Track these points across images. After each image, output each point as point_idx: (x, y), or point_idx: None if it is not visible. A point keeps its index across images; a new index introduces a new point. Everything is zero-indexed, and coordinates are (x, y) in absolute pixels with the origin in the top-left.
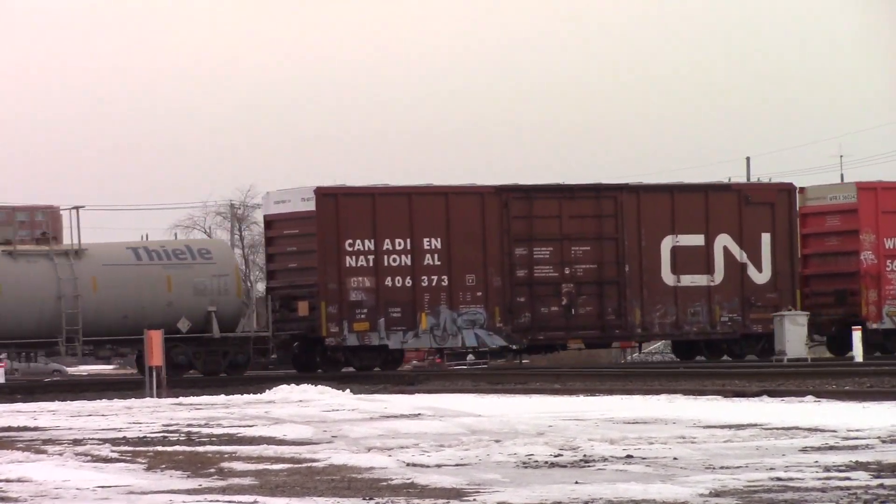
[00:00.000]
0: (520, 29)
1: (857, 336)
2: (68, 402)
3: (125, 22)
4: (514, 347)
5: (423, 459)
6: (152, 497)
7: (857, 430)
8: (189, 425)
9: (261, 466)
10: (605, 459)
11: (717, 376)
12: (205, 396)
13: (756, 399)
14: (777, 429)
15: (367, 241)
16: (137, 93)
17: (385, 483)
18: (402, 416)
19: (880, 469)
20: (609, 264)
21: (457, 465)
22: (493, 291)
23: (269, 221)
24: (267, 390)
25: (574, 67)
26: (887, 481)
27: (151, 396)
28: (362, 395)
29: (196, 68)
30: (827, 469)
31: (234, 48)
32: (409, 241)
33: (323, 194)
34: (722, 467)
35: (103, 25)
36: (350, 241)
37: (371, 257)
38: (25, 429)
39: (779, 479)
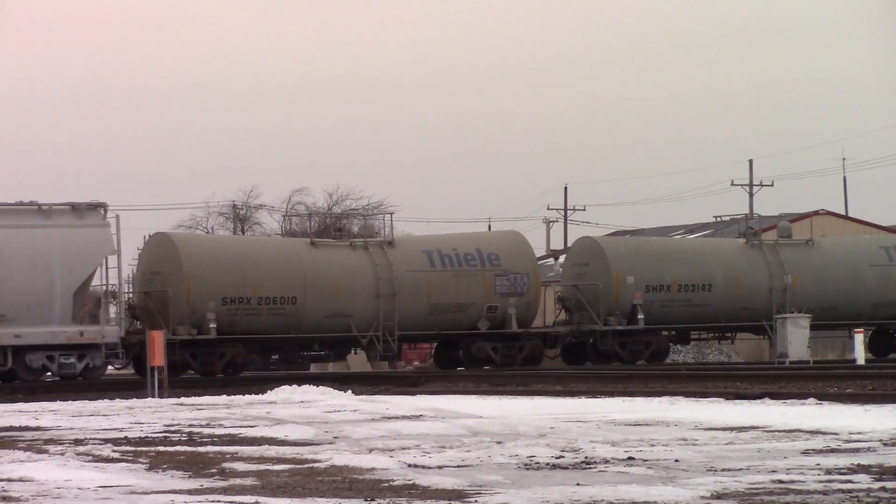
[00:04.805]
0: (517, 32)
1: (858, 339)
2: (70, 402)
3: (125, 22)
4: None
5: (424, 461)
6: (154, 497)
7: (859, 433)
8: (191, 426)
9: (262, 467)
10: (606, 461)
11: (718, 378)
12: (206, 397)
13: (758, 401)
14: (779, 431)
15: None
16: (139, 91)
17: (386, 484)
18: (404, 417)
19: (882, 472)
20: None
21: (458, 466)
22: None
23: None
24: (269, 391)
25: (573, 68)
26: (889, 484)
27: (153, 396)
28: (364, 396)
29: (198, 67)
30: (828, 472)
31: (236, 48)
32: None
33: None
34: (723, 469)
35: (102, 25)
36: None
37: None
38: (27, 428)
39: (780, 481)
